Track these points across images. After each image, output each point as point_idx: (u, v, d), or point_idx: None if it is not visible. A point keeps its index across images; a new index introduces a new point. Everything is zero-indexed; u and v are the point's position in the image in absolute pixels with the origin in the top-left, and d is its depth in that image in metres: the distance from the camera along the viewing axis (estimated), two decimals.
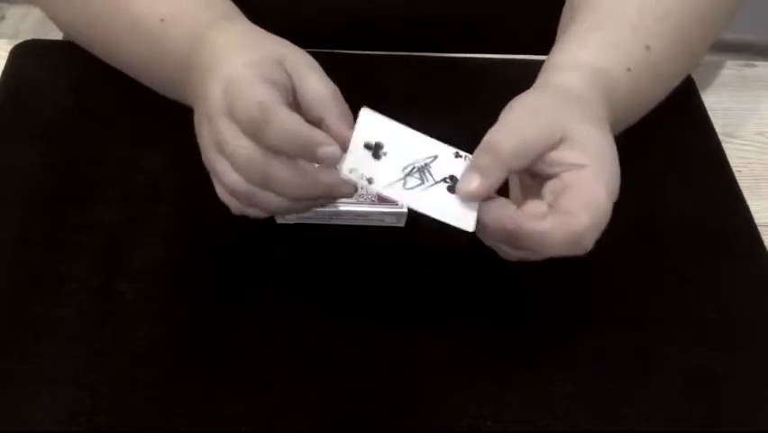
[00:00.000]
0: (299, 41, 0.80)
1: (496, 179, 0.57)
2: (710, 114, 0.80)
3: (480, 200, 0.57)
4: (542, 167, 0.58)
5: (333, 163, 0.56)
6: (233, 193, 0.60)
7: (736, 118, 0.82)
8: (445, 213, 0.57)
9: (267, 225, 0.68)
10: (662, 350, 0.64)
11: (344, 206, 0.67)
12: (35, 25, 0.79)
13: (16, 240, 0.67)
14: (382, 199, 0.67)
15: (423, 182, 0.58)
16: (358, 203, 0.67)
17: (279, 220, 0.68)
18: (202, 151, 0.62)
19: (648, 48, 0.67)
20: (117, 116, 0.75)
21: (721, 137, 0.78)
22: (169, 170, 0.71)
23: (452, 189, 0.58)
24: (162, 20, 0.68)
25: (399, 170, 0.58)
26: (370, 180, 0.57)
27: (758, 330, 0.66)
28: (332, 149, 0.56)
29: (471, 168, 0.57)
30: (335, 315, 0.64)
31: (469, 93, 0.78)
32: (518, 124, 0.58)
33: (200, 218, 0.69)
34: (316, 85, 0.59)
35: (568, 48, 0.67)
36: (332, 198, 0.59)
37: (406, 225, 0.69)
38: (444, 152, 0.59)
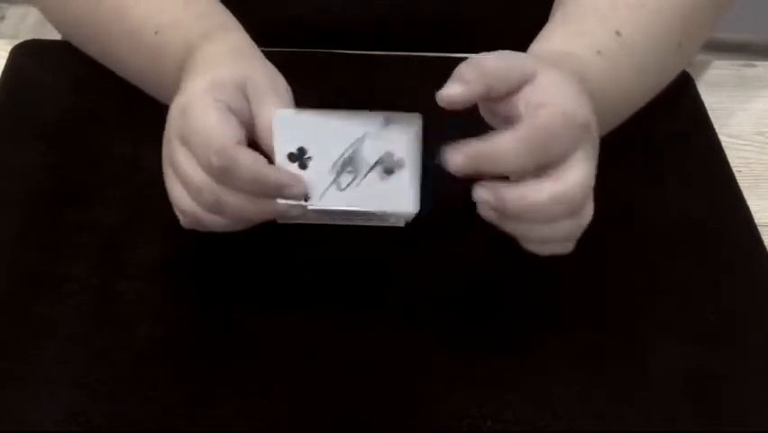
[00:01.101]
0: (299, 42, 0.80)
1: (475, 93, 0.55)
2: (710, 114, 0.80)
3: (457, 107, 0.55)
4: (506, 107, 0.57)
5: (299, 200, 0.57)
6: (182, 213, 0.61)
7: (735, 118, 0.82)
8: (384, 201, 0.56)
9: (267, 225, 0.68)
10: (662, 350, 0.64)
11: (345, 206, 0.66)
12: (35, 25, 0.79)
13: (16, 240, 0.67)
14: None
15: (356, 175, 0.56)
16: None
17: (280, 220, 0.68)
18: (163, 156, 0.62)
19: (619, 33, 0.67)
20: (117, 116, 0.75)
21: (721, 137, 0.78)
22: None
23: (389, 171, 0.56)
24: (157, 32, 0.69)
25: (329, 170, 0.56)
26: (306, 198, 0.56)
27: (758, 330, 0.66)
28: (298, 189, 0.57)
29: (454, 78, 0.55)
30: (335, 315, 0.64)
31: None
32: (502, 53, 0.57)
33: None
34: (269, 114, 0.59)
35: (537, 43, 0.67)
36: (285, 216, 0.60)
37: (405, 225, 0.69)
38: (371, 125, 0.56)
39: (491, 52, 0.57)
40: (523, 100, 0.57)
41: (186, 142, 0.58)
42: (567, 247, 0.61)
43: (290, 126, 0.57)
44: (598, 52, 0.67)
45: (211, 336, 0.63)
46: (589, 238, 0.69)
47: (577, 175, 0.56)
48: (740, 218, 0.73)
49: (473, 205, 0.58)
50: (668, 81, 0.74)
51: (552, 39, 0.68)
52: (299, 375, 0.61)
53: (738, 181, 0.75)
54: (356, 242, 0.68)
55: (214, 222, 0.60)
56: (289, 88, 0.62)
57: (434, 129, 0.59)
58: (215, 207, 0.58)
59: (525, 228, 0.58)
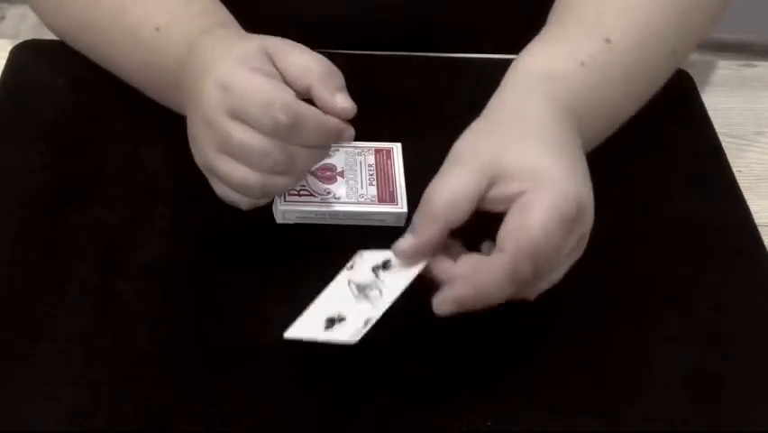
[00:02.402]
0: (299, 42, 0.80)
1: (429, 236, 0.57)
2: (710, 114, 0.80)
3: (417, 259, 0.58)
4: (490, 207, 0.58)
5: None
6: (246, 188, 0.61)
7: (736, 118, 0.82)
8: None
9: (267, 225, 0.68)
10: (663, 350, 0.64)
11: (344, 206, 0.67)
12: (35, 25, 0.79)
13: (16, 240, 0.67)
14: (382, 199, 0.67)
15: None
16: (358, 203, 0.67)
17: (280, 220, 0.68)
18: (198, 154, 0.63)
19: (608, 41, 0.67)
20: (117, 116, 0.75)
21: (721, 137, 0.78)
22: (169, 170, 0.71)
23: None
24: (158, 29, 0.69)
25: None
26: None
27: (758, 330, 0.66)
28: (350, 132, 0.60)
29: (409, 228, 0.58)
30: None
31: (469, 93, 0.78)
32: (449, 176, 0.58)
33: (200, 218, 0.69)
34: (299, 57, 0.61)
35: (522, 58, 0.67)
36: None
37: (405, 225, 0.69)
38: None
39: (440, 180, 0.58)
40: (502, 199, 0.58)
41: (238, 114, 0.59)
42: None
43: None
44: (582, 63, 0.66)
45: (211, 336, 0.63)
46: (588, 237, 0.69)
47: (555, 277, 0.59)
48: (740, 218, 0.73)
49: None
50: (659, 86, 0.74)
51: (536, 54, 0.68)
52: (299, 375, 0.61)
53: (738, 181, 0.75)
54: (356, 242, 0.67)
55: (284, 183, 0.61)
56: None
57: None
58: (286, 166, 0.60)
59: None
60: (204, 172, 0.64)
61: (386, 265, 0.61)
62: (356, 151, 0.70)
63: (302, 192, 0.67)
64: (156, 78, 0.71)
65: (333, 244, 0.67)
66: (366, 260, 0.62)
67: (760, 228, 0.72)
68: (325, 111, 0.60)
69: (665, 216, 0.72)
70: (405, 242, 0.58)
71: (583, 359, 0.64)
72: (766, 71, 0.87)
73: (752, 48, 1.70)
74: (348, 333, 0.58)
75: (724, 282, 0.69)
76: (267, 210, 0.69)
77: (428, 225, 0.57)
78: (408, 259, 0.58)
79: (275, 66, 0.61)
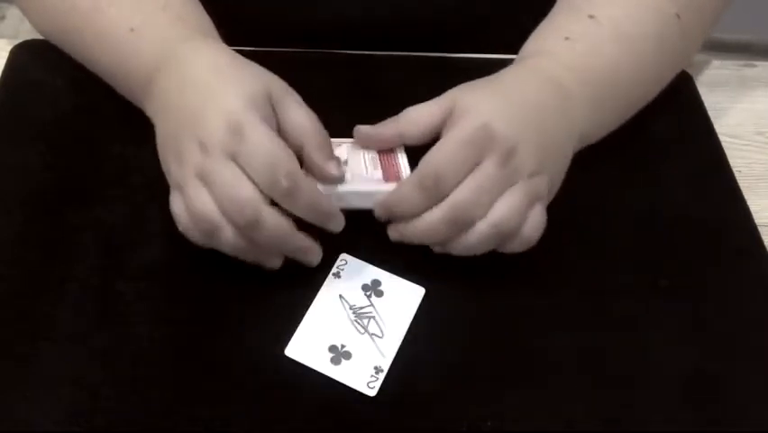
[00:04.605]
0: (299, 42, 0.80)
1: (384, 131, 0.65)
2: (710, 114, 0.80)
3: (366, 143, 0.65)
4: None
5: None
6: (200, 220, 0.61)
7: (736, 118, 0.82)
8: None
9: None
10: (663, 350, 0.64)
11: (351, 186, 0.65)
12: None
13: (16, 240, 0.67)
14: (388, 179, 0.65)
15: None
16: (364, 182, 0.66)
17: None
18: (174, 163, 0.63)
19: (592, 17, 0.70)
20: (117, 116, 0.75)
21: (721, 137, 0.78)
22: None
23: None
24: (132, 30, 0.70)
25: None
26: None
27: (758, 330, 0.66)
28: (340, 222, 0.63)
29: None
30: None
31: None
32: (421, 105, 0.66)
33: None
34: (298, 115, 0.63)
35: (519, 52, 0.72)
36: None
37: None
38: None
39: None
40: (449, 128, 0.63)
41: (239, 159, 0.60)
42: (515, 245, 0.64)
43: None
44: (566, 38, 0.69)
45: (211, 336, 0.63)
46: (588, 238, 0.69)
47: (463, 193, 0.61)
48: (740, 218, 0.73)
49: None
50: (676, 57, 0.75)
51: (528, 41, 0.72)
52: (299, 375, 0.61)
53: (738, 181, 0.75)
54: (356, 241, 0.68)
55: (233, 244, 0.62)
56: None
57: None
58: (251, 225, 0.60)
59: (449, 248, 0.64)
60: (169, 180, 0.64)
61: (375, 285, 0.65)
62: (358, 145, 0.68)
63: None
64: (128, 76, 0.71)
65: (333, 244, 0.67)
66: (352, 269, 0.66)
67: (760, 228, 0.72)
68: (314, 173, 0.62)
69: (665, 216, 0.72)
70: (365, 127, 0.65)
71: (583, 359, 0.64)
72: (766, 71, 0.86)
73: (752, 48, 1.70)
74: (362, 383, 0.61)
75: (724, 282, 0.69)
76: None
77: (388, 124, 0.66)
78: (361, 140, 0.66)
79: (276, 112, 0.63)
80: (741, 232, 0.72)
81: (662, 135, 0.77)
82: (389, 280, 0.66)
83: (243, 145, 0.59)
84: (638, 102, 0.74)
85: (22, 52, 0.80)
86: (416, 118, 0.65)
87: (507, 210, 0.61)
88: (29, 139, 0.74)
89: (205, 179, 0.60)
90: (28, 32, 0.81)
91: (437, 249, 0.64)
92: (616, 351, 0.64)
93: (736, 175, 0.75)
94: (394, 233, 0.64)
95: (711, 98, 0.81)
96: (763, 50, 1.74)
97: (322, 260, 0.66)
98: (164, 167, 0.65)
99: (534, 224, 0.63)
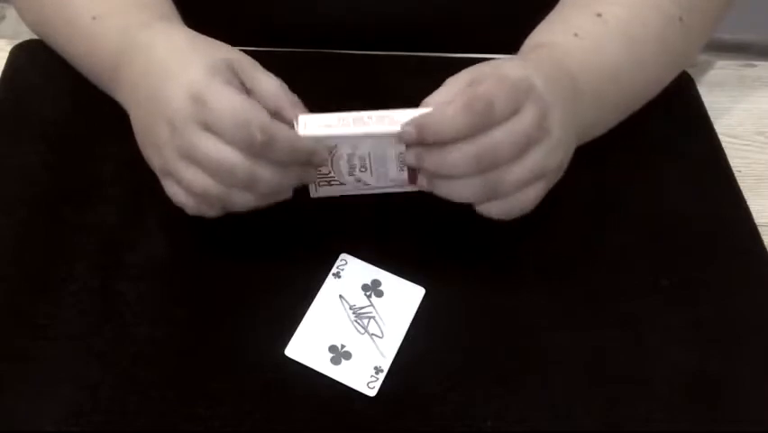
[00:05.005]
0: (299, 42, 0.80)
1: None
2: (710, 114, 0.80)
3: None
4: None
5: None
6: (206, 197, 0.61)
7: (736, 118, 0.82)
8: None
9: (267, 225, 0.68)
10: (662, 350, 0.64)
11: (376, 190, 0.65)
12: None
13: (16, 240, 0.67)
14: (412, 181, 0.64)
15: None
16: (388, 187, 0.65)
17: (314, 194, 0.66)
18: (156, 155, 0.63)
19: (599, 15, 0.70)
20: (117, 116, 0.75)
21: (721, 137, 0.78)
22: None
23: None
24: (94, 18, 0.70)
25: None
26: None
27: (758, 331, 0.66)
28: (323, 156, 0.61)
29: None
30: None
31: None
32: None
33: (200, 218, 0.69)
34: (267, 81, 0.63)
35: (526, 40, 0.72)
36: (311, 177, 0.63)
37: (405, 226, 0.69)
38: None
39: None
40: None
41: (210, 127, 0.59)
42: (513, 206, 0.63)
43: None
44: (575, 35, 0.69)
45: (211, 336, 0.63)
46: (588, 237, 0.69)
47: (500, 134, 0.59)
48: (740, 218, 0.73)
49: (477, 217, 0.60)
50: (677, 59, 0.75)
51: (533, 34, 0.72)
52: (299, 375, 0.61)
53: (738, 181, 0.75)
54: (355, 241, 0.68)
55: (246, 200, 0.61)
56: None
57: None
58: (250, 183, 0.60)
59: (445, 187, 0.62)
60: (157, 172, 0.64)
61: (375, 285, 0.65)
62: (384, 140, 0.63)
63: (332, 182, 0.64)
64: (95, 65, 0.72)
65: (332, 245, 0.67)
66: (352, 269, 0.65)
67: (760, 228, 0.72)
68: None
69: (665, 216, 0.72)
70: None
71: (583, 359, 0.64)
72: (766, 71, 0.86)
73: (752, 48, 1.70)
74: (362, 383, 0.61)
75: (724, 282, 0.69)
76: (267, 210, 0.69)
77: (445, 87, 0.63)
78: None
79: (243, 80, 0.62)
80: (741, 232, 0.72)
81: (663, 135, 0.77)
82: (389, 281, 0.66)
83: (209, 112, 0.59)
84: (636, 102, 0.74)
85: (22, 52, 0.80)
86: (450, 84, 0.63)
87: (524, 167, 0.60)
88: (29, 139, 0.74)
89: (189, 158, 0.60)
90: (28, 32, 0.81)
91: (421, 181, 0.62)
92: (616, 351, 0.64)
93: (736, 175, 0.75)
94: (411, 156, 0.61)
95: (711, 98, 0.81)
96: (763, 50, 1.74)
97: (322, 260, 0.66)
98: (146, 157, 0.65)
99: (533, 194, 0.62)
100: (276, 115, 0.61)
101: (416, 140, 0.60)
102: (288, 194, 0.63)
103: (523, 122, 0.60)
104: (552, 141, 0.61)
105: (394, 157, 0.62)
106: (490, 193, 0.61)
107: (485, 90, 0.59)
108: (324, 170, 0.63)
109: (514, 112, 0.60)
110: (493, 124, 0.59)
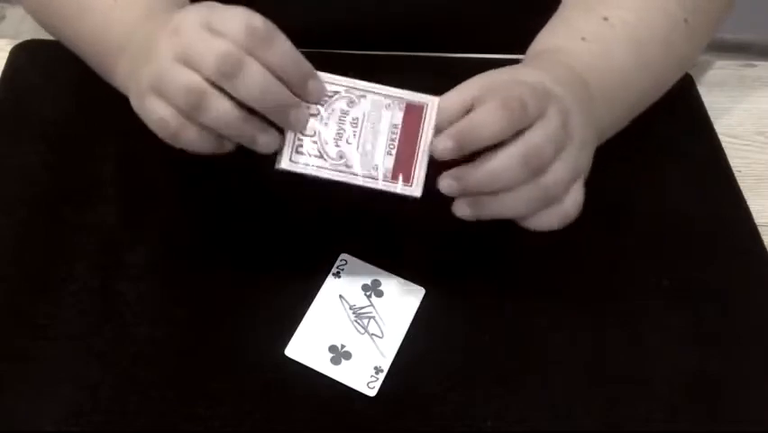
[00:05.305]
0: (299, 42, 0.80)
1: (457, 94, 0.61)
2: (710, 114, 0.80)
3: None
4: None
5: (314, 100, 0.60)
6: (188, 92, 0.57)
7: (736, 118, 0.82)
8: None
9: (267, 224, 0.68)
10: (663, 350, 0.64)
11: (354, 179, 0.61)
12: (35, 25, 0.79)
13: (16, 240, 0.67)
14: (395, 176, 0.61)
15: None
16: (369, 177, 0.61)
17: (284, 167, 0.60)
18: (150, 72, 0.60)
19: (606, 18, 0.70)
20: (117, 116, 0.75)
21: (721, 137, 0.78)
22: (169, 169, 0.71)
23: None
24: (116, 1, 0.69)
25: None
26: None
27: (758, 330, 0.66)
28: (321, 87, 0.59)
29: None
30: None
31: None
32: None
33: (200, 218, 0.69)
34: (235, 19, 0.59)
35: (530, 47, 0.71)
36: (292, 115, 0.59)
37: (405, 227, 0.69)
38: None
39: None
40: None
41: (210, 26, 0.58)
42: (561, 216, 0.61)
43: None
44: (583, 39, 0.69)
45: (211, 336, 0.63)
46: (588, 237, 0.69)
47: (538, 135, 0.58)
48: (740, 218, 0.73)
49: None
50: (682, 61, 0.75)
51: (540, 38, 0.71)
52: (299, 375, 0.61)
53: (738, 181, 0.75)
54: (355, 241, 0.68)
55: (218, 104, 0.57)
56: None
57: None
58: (235, 69, 0.56)
59: (496, 205, 0.59)
60: (139, 94, 0.61)
61: (375, 285, 0.65)
62: (384, 102, 0.61)
63: (311, 152, 0.60)
64: (102, 48, 0.71)
65: (332, 245, 0.67)
66: (352, 269, 0.65)
67: (760, 228, 0.72)
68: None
69: (665, 216, 0.72)
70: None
71: (583, 359, 0.64)
72: (766, 71, 0.86)
73: (752, 48, 1.70)
74: (362, 383, 0.61)
75: (724, 282, 0.69)
76: (267, 210, 0.69)
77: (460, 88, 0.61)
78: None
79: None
80: (741, 232, 0.72)
81: (663, 135, 0.77)
82: (389, 281, 0.66)
83: (212, 13, 0.58)
84: (643, 104, 0.74)
85: (22, 52, 0.80)
86: (459, 91, 0.60)
87: (564, 168, 0.59)
88: (29, 139, 0.74)
89: (179, 56, 0.58)
90: (28, 32, 0.81)
91: (463, 211, 0.60)
92: (616, 351, 0.64)
93: (736, 175, 0.76)
94: (449, 178, 0.58)
95: (711, 98, 0.81)
96: (763, 50, 1.73)
97: (322, 260, 0.66)
98: (127, 88, 0.64)
99: (576, 198, 0.61)
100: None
101: (456, 150, 0.57)
102: (268, 140, 0.59)
103: (553, 123, 0.59)
104: (577, 142, 0.61)
105: (386, 132, 0.60)
106: (542, 199, 0.60)
107: (517, 91, 0.58)
108: (308, 131, 0.60)
109: (541, 115, 0.59)
110: (529, 125, 0.58)
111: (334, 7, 0.81)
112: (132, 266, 0.66)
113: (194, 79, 0.57)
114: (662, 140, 0.77)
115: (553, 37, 0.71)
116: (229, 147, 0.60)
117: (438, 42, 0.83)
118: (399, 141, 0.60)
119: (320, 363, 0.62)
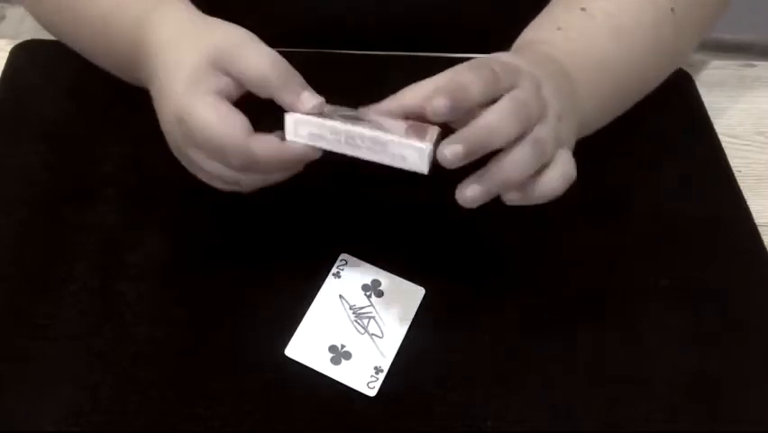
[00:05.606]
0: (299, 42, 0.80)
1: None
2: (710, 114, 0.80)
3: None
4: None
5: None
6: (210, 178, 0.63)
7: (736, 118, 0.82)
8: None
9: (267, 224, 0.68)
10: (663, 351, 0.64)
11: (365, 129, 0.61)
12: (35, 25, 0.79)
13: (16, 240, 0.67)
14: (409, 133, 0.60)
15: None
16: (381, 130, 0.60)
17: (291, 136, 0.60)
18: (171, 141, 0.63)
19: (584, 9, 0.71)
20: (117, 116, 0.75)
21: (721, 137, 0.78)
22: (169, 169, 0.71)
23: None
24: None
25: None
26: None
27: (758, 330, 0.66)
28: (315, 154, 0.60)
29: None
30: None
31: None
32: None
33: (199, 218, 0.69)
34: (251, 65, 0.60)
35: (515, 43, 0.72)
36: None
37: (405, 227, 0.69)
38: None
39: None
40: None
41: (199, 147, 0.60)
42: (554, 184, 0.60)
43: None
44: (559, 28, 0.70)
45: (211, 336, 0.63)
46: (588, 237, 0.70)
47: (519, 92, 0.58)
48: (740, 218, 0.73)
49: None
50: (671, 51, 0.75)
51: (522, 35, 0.72)
52: (299, 375, 0.61)
53: (738, 181, 0.75)
54: (355, 241, 0.68)
55: (251, 183, 0.63)
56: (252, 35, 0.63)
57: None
58: (238, 186, 0.62)
59: (498, 172, 0.58)
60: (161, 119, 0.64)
61: (375, 285, 0.65)
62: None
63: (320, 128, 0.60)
64: (113, 55, 0.71)
65: (332, 245, 0.67)
66: (352, 269, 0.65)
67: (760, 228, 0.72)
68: (295, 110, 0.60)
69: (665, 215, 0.72)
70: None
71: (583, 359, 0.64)
72: (766, 71, 0.86)
73: (751, 48, 1.70)
74: (362, 383, 0.61)
75: (724, 282, 0.69)
76: (267, 211, 0.69)
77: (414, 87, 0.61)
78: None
79: (230, 73, 0.60)
80: (741, 232, 0.72)
81: (663, 135, 0.77)
82: (389, 281, 0.66)
83: (192, 135, 0.60)
84: (633, 94, 0.74)
85: (22, 52, 0.80)
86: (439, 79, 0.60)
87: (546, 129, 0.59)
88: (29, 139, 0.74)
89: (195, 145, 0.61)
90: (28, 32, 0.81)
91: (472, 190, 0.58)
92: (616, 351, 0.64)
93: (736, 175, 0.76)
94: (458, 144, 0.57)
95: (711, 98, 0.81)
96: (763, 50, 1.74)
97: (322, 260, 0.66)
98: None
99: (565, 168, 0.60)
100: (270, 98, 0.60)
101: (451, 107, 0.57)
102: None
103: (527, 88, 0.59)
104: (553, 110, 0.60)
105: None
106: (536, 155, 0.58)
107: (487, 61, 0.59)
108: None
109: (513, 85, 0.58)
110: (505, 90, 0.58)
111: (334, 7, 0.81)
112: (132, 266, 0.66)
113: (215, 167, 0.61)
114: (661, 140, 0.77)
115: (533, 31, 0.72)
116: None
117: (438, 42, 0.83)
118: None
119: (320, 363, 0.62)
